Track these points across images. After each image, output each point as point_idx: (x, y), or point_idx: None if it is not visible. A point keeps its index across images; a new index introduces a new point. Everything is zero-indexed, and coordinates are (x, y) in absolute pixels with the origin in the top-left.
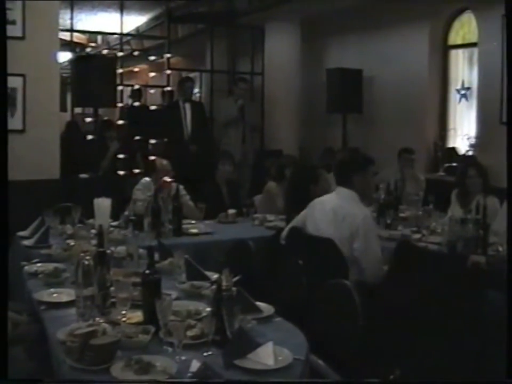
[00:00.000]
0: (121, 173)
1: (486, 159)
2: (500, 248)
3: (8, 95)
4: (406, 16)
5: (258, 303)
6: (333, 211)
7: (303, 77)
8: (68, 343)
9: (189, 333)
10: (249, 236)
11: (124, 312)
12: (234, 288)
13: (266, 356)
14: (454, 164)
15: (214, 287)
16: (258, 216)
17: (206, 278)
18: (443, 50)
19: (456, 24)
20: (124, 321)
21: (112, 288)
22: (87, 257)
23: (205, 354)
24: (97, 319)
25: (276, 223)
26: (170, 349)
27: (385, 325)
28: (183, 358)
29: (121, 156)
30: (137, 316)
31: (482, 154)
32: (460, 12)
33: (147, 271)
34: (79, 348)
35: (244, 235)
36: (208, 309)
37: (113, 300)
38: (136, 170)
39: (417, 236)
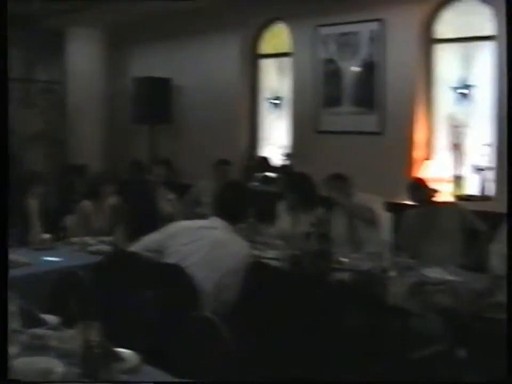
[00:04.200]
0: None
1: (303, 168)
2: (343, 259)
3: None
4: (216, 25)
5: (120, 350)
6: (212, 244)
7: (108, 85)
8: None
9: None
10: (74, 264)
11: None
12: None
13: None
14: (268, 174)
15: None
16: (76, 240)
17: (44, 323)
18: (254, 59)
19: (267, 34)
20: None
21: None
22: None
23: None
24: None
25: (98, 247)
26: None
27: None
28: None
29: None
30: None
31: (298, 163)
32: (271, 22)
33: None
34: None
35: (68, 263)
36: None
37: None
38: None
39: (255, 251)
